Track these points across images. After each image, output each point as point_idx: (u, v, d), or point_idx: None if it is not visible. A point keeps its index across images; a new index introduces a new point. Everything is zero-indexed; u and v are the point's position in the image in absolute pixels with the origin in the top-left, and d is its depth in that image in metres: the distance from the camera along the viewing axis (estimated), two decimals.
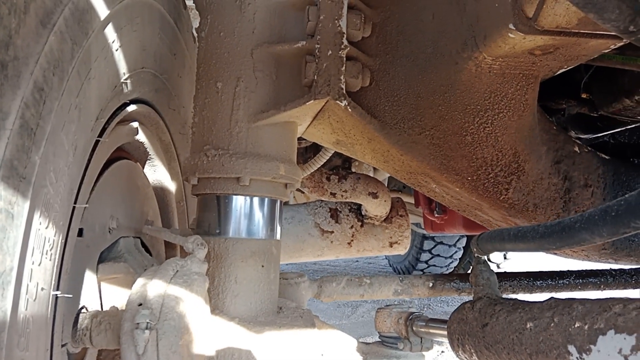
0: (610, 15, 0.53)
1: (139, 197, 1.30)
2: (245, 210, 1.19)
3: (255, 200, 1.20)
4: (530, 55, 1.11)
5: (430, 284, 1.78)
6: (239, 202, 1.19)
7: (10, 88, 0.55)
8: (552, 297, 0.67)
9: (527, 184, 1.26)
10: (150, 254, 1.37)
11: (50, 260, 0.67)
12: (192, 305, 0.89)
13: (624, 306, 0.52)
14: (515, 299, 0.78)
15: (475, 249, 0.89)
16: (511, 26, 0.99)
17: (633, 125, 1.36)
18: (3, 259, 0.54)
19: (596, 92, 1.31)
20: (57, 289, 0.71)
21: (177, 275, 0.92)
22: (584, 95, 1.32)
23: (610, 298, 0.56)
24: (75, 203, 0.79)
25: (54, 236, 0.68)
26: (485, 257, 0.94)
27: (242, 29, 1.19)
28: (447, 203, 1.48)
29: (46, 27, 0.62)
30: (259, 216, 1.21)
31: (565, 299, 0.64)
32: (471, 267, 4.48)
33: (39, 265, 0.63)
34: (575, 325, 0.56)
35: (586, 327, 0.55)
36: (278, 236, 1.25)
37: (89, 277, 1.02)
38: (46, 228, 0.64)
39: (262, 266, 1.19)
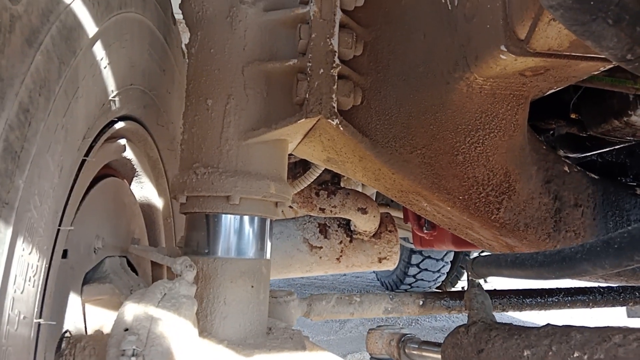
0: (608, 43, 0.53)
1: (125, 215, 1.27)
2: (235, 229, 1.17)
3: (245, 219, 1.18)
4: (521, 76, 1.11)
5: (421, 302, 1.77)
6: (228, 221, 1.17)
7: None
8: (548, 324, 0.66)
9: (518, 204, 1.26)
10: (137, 273, 1.33)
11: (33, 286, 0.64)
12: (180, 330, 0.87)
13: (624, 337, 0.52)
14: (511, 324, 0.77)
15: (470, 273, 0.88)
16: (503, 48, 1.00)
17: (621, 145, 1.38)
18: None
19: (585, 112, 1.32)
20: (40, 316, 0.69)
21: (164, 299, 0.89)
22: (573, 116, 1.34)
23: (609, 327, 0.55)
24: (60, 225, 0.76)
25: (38, 261, 0.65)
26: (480, 281, 0.93)
27: (233, 46, 1.18)
28: (438, 221, 1.47)
29: (32, 46, 0.60)
30: (248, 235, 1.19)
31: (563, 326, 0.63)
32: (458, 281, 4.46)
33: (22, 292, 0.61)
34: (574, 355, 0.55)
35: (585, 357, 0.54)
36: (268, 255, 1.23)
37: (73, 300, 0.99)
38: (29, 254, 0.62)
39: (252, 287, 1.16)
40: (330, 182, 2.71)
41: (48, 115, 0.64)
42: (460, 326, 0.88)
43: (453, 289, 5.32)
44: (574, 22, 0.53)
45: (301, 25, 1.16)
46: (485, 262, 0.81)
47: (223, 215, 1.16)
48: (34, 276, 0.64)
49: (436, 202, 1.29)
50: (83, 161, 0.87)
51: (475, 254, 4.65)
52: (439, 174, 1.24)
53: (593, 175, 1.34)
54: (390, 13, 1.27)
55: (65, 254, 0.91)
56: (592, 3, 0.51)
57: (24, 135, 0.58)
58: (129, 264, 1.29)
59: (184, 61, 1.52)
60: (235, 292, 1.14)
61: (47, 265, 0.70)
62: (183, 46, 1.51)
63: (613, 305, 1.87)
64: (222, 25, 1.18)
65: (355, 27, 1.23)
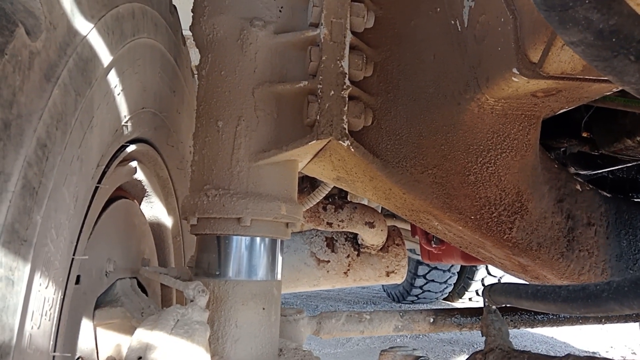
0: (630, 78, 0.52)
1: (135, 235, 1.27)
2: (246, 251, 1.17)
3: (256, 240, 1.17)
4: (533, 97, 1.11)
5: (431, 320, 1.75)
6: (239, 243, 1.16)
7: (13, 147, 0.53)
8: (569, 354, 0.65)
9: (531, 223, 1.25)
10: (147, 293, 1.33)
11: (49, 320, 0.64)
12: (194, 358, 0.86)
13: None
14: (529, 352, 0.76)
15: (487, 299, 0.87)
16: (515, 70, 0.99)
17: (634, 163, 1.37)
18: (2, 331, 0.51)
19: (597, 131, 1.31)
20: (55, 348, 0.68)
21: (177, 326, 0.89)
22: (584, 134, 1.33)
23: None
24: (74, 254, 0.76)
25: (53, 294, 0.65)
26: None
27: (244, 68, 1.18)
28: (449, 240, 1.46)
29: (50, 80, 0.61)
30: (259, 257, 1.18)
31: (585, 357, 0.62)
32: (465, 292, 4.42)
33: (38, 328, 0.60)
34: None
35: None
36: (279, 276, 1.22)
37: (85, 325, 0.98)
38: (46, 288, 0.62)
39: (263, 309, 1.16)
40: (338, 196, 2.70)
41: (65, 149, 0.64)
42: (476, 352, 0.87)
43: (461, 302, 5.28)
44: (595, 58, 0.52)
45: (312, 47, 1.17)
46: (504, 291, 0.80)
47: (234, 237, 1.16)
48: (50, 309, 0.64)
49: (448, 221, 1.28)
50: (96, 187, 0.87)
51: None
52: (450, 193, 1.23)
53: (605, 194, 1.34)
54: (399, 34, 1.27)
55: (78, 279, 0.91)
56: (614, 40, 0.50)
57: (41, 171, 0.58)
58: (139, 283, 1.29)
59: (193, 80, 1.53)
60: (247, 314, 1.13)
61: (62, 297, 0.70)
62: (192, 66, 1.51)
63: (626, 322, 1.85)
64: (233, 47, 1.19)
65: (365, 49, 1.23)
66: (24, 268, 0.55)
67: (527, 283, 0.74)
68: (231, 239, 1.16)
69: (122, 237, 1.18)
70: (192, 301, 0.97)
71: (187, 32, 1.45)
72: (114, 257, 1.10)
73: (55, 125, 0.61)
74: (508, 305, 1.85)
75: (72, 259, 0.75)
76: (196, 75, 1.29)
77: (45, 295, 0.62)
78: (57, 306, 0.69)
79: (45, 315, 0.62)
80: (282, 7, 1.22)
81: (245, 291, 1.14)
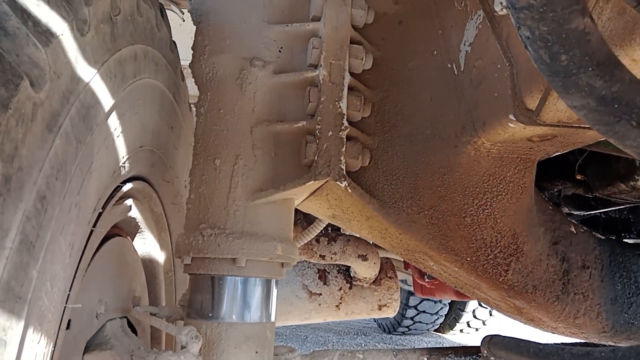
0: (632, 142, 0.53)
1: (127, 274, 1.25)
2: (240, 292, 1.15)
3: (251, 281, 1.16)
4: (528, 142, 1.12)
5: (425, 358, 1.72)
6: (234, 284, 1.15)
7: (12, 202, 0.52)
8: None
9: (526, 266, 1.25)
10: (136, 332, 1.30)
11: None
12: None
13: None
14: None
15: (485, 351, 0.86)
16: (511, 117, 1.01)
17: (627, 206, 1.38)
18: None
19: (591, 174, 1.33)
20: None
21: None
22: (578, 177, 1.34)
23: None
24: (67, 301, 0.74)
25: (45, 348, 0.63)
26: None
27: (242, 107, 1.19)
28: (444, 280, 1.45)
29: (52, 130, 0.60)
30: (254, 298, 1.16)
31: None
32: (457, 324, 4.36)
33: None
34: None
35: None
36: (273, 318, 1.20)
37: None
38: (38, 343, 0.60)
39: (256, 352, 1.13)
40: (331, 228, 2.69)
41: (63, 198, 0.63)
42: None
43: (452, 333, 5.23)
44: (597, 122, 0.53)
45: (310, 88, 1.17)
46: (505, 345, 0.79)
47: (228, 277, 1.14)
48: None
49: (444, 262, 1.27)
50: (92, 230, 0.86)
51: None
52: (446, 235, 1.23)
53: (599, 235, 1.34)
54: (397, 75, 1.29)
55: (68, 324, 0.88)
56: (616, 106, 0.51)
57: (39, 224, 0.57)
58: (129, 322, 1.26)
59: (190, 114, 1.53)
60: (239, 358, 1.10)
61: (53, 348, 0.68)
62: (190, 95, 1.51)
63: None
64: (232, 86, 1.19)
65: (363, 90, 1.24)
66: (18, 326, 0.53)
67: (529, 340, 0.73)
68: (225, 279, 1.14)
69: (114, 277, 1.15)
70: (184, 347, 0.95)
71: (184, 62, 1.45)
72: (105, 297, 1.08)
73: (56, 175, 0.60)
74: None
75: (65, 307, 0.73)
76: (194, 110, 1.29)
77: (37, 351, 0.60)
78: (48, 357, 0.66)
79: None
80: (281, 48, 1.23)
81: (238, 334, 1.11)
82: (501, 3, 0.82)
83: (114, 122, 0.83)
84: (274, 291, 1.21)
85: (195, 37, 1.25)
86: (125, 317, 1.24)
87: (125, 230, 1.29)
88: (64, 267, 0.67)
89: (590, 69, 0.50)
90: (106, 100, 0.77)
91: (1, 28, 0.54)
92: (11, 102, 0.51)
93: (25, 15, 0.56)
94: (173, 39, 1.31)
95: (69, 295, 0.76)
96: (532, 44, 0.49)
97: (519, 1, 0.46)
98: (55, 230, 0.61)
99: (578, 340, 1.44)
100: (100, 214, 0.89)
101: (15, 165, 0.53)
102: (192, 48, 1.26)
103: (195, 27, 1.29)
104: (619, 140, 0.54)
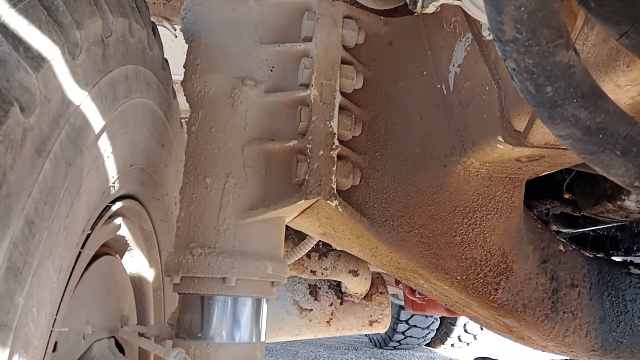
0: (616, 171, 0.54)
1: (116, 293, 1.24)
2: (230, 312, 1.14)
3: (241, 300, 1.15)
4: (517, 162, 1.14)
5: None
6: (223, 303, 1.14)
7: None
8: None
9: (516, 284, 1.26)
10: (124, 352, 1.28)
11: None
12: None
13: None
14: None
15: None
16: (500, 138, 1.02)
17: (615, 224, 1.39)
18: None
19: (579, 193, 1.34)
20: None
21: None
22: (566, 196, 1.36)
23: None
24: (53, 325, 0.73)
25: None
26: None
27: (234, 126, 1.19)
28: (435, 298, 1.45)
29: (41, 155, 0.60)
30: (243, 317, 1.15)
31: None
32: (448, 338, 4.34)
33: None
34: None
35: None
36: (263, 337, 1.19)
37: None
38: None
39: None
40: (322, 244, 2.69)
41: (52, 222, 0.63)
42: None
43: (443, 348, 5.21)
44: (583, 151, 0.54)
45: (302, 107, 1.18)
46: None
47: (218, 297, 1.13)
48: None
49: (434, 281, 1.28)
50: (80, 252, 0.85)
51: None
52: (436, 253, 1.23)
53: (588, 254, 1.35)
54: (387, 94, 1.30)
55: (55, 346, 0.87)
56: (600, 136, 0.52)
57: (27, 250, 0.57)
58: (116, 342, 1.24)
59: (181, 131, 1.53)
60: None
61: None
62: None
63: None
64: (223, 105, 1.20)
65: (353, 109, 1.26)
66: (2, 355, 0.53)
67: None
68: (215, 299, 1.13)
69: (102, 296, 1.14)
70: None
71: (176, 77, 1.46)
72: (93, 318, 1.07)
73: (44, 200, 0.60)
74: None
75: (52, 331, 0.72)
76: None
77: None
78: None
79: None
80: (273, 67, 1.24)
81: (227, 355, 1.10)
82: (488, 29, 0.84)
83: (104, 143, 0.83)
84: (264, 310, 1.20)
85: (187, 56, 1.26)
86: (113, 337, 1.22)
87: (114, 248, 1.28)
88: (51, 292, 0.66)
89: (575, 100, 0.51)
90: (97, 122, 0.77)
91: None
92: (0, 129, 0.51)
93: (16, 40, 0.57)
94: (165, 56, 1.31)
95: (55, 318, 0.75)
96: (518, 75, 0.50)
97: (504, 34, 0.47)
98: (43, 255, 0.61)
99: (567, 359, 1.45)
100: (88, 235, 0.89)
101: (3, 191, 0.52)
102: (184, 66, 1.26)
103: (187, 44, 1.30)
104: (604, 169, 0.55)
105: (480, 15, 0.79)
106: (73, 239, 0.74)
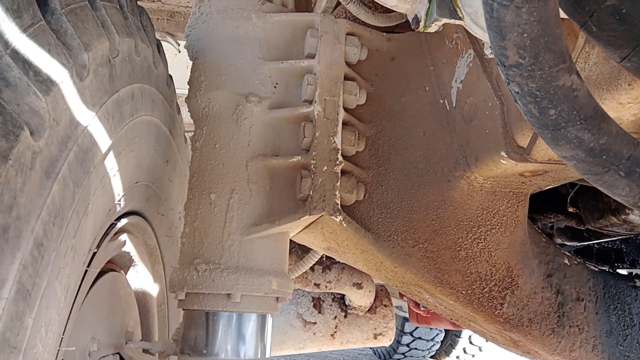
0: (620, 191, 0.54)
1: (120, 309, 1.24)
2: (235, 328, 1.14)
3: (245, 316, 1.15)
4: (520, 177, 1.14)
5: None
6: (228, 319, 1.14)
7: (9, 252, 0.52)
8: None
9: (521, 299, 1.25)
10: None
11: None
12: None
13: None
14: None
15: None
16: (503, 154, 1.03)
17: (619, 237, 1.39)
18: None
19: (583, 207, 1.34)
20: None
21: None
22: (570, 209, 1.36)
23: None
24: (60, 344, 0.74)
25: None
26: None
27: (238, 142, 1.20)
28: (440, 312, 1.45)
29: (50, 177, 0.61)
30: (248, 333, 1.15)
31: None
32: (453, 350, 4.31)
33: None
34: None
35: None
36: (268, 353, 1.19)
37: None
38: None
39: None
40: (325, 257, 2.69)
41: (60, 243, 0.63)
42: None
43: None
44: (587, 172, 0.54)
45: (305, 123, 1.19)
46: None
47: (223, 313, 1.13)
48: None
49: (439, 295, 1.27)
50: (86, 270, 0.85)
51: None
52: (441, 268, 1.23)
53: (593, 267, 1.35)
54: (390, 110, 1.31)
55: None
56: (604, 157, 0.53)
57: (36, 272, 0.57)
58: (121, 357, 1.24)
59: (185, 146, 1.54)
60: None
61: None
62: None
63: None
64: (227, 121, 1.21)
65: (357, 124, 1.26)
66: None
67: None
68: (220, 315, 1.13)
69: (107, 313, 1.14)
70: None
71: (179, 92, 1.47)
72: (98, 335, 1.07)
73: (53, 221, 0.61)
74: None
75: (59, 350, 0.72)
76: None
77: None
78: None
79: None
80: (277, 84, 1.25)
81: None
82: (490, 47, 0.85)
83: (110, 161, 0.84)
84: (269, 326, 1.20)
85: (191, 73, 1.27)
86: (118, 353, 1.22)
87: (118, 264, 1.28)
88: (58, 311, 0.66)
89: (578, 123, 0.51)
90: (104, 141, 0.78)
91: (2, 79, 0.55)
92: (11, 153, 0.52)
93: (26, 65, 0.58)
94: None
95: (62, 337, 0.75)
96: (521, 98, 0.51)
97: (507, 59, 0.48)
98: (51, 275, 0.61)
99: None
100: (94, 253, 0.89)
101: (13, 214, 0.53)
102: (188, 83, 1.27)
103: (191, 61, 1.31)
104: (608, 189, 0.55)
105: (482, 34, 0.80)
106: (80, 258, 0.75)
